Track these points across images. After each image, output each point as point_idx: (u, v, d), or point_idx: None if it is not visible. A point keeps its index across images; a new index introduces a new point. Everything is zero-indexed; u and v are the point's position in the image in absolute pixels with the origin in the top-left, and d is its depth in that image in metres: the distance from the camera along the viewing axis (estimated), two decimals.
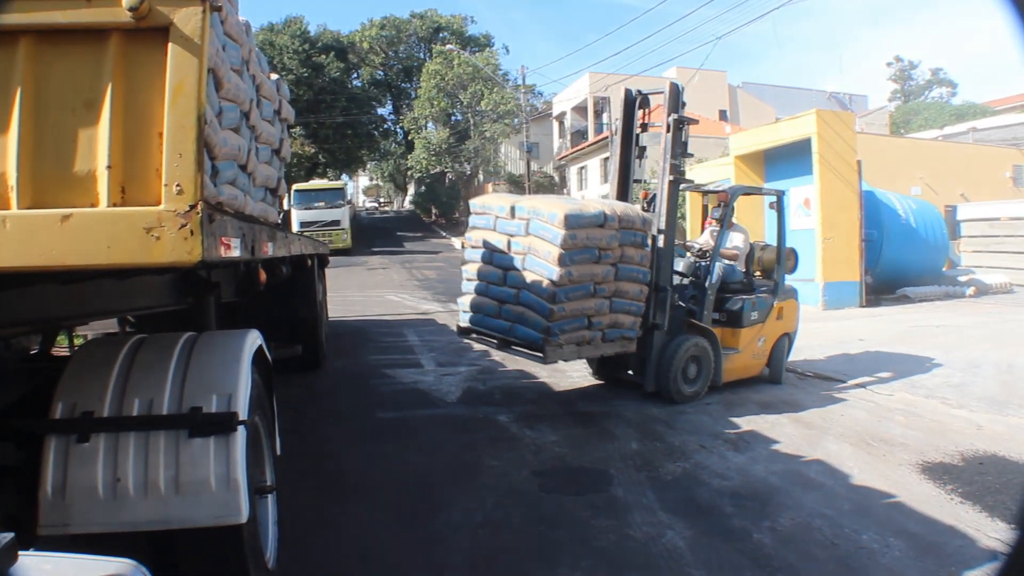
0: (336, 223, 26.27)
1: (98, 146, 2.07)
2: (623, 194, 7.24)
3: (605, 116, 34.70)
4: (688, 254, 7.44)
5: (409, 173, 45.42)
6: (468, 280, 6.68)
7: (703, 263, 7.15)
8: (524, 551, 3.69)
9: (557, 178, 38.89)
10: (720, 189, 7.80)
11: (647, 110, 7.27)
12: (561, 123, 40.54)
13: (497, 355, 8.02)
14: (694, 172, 15.22)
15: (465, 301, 6.70)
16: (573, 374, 7.77)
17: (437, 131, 38.38)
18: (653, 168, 7.95)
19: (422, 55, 44.13)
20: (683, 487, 4.55)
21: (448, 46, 37.99)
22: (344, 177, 44.79)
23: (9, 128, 2.02)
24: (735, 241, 7.43)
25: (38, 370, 2.96)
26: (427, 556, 3.63)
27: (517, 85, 34.62)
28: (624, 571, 3.47)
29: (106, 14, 2.07)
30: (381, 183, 63.92)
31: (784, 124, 15.90)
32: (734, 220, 7.40)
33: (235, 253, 2.50)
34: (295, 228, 23.14)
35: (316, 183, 29.73)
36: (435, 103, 36.67)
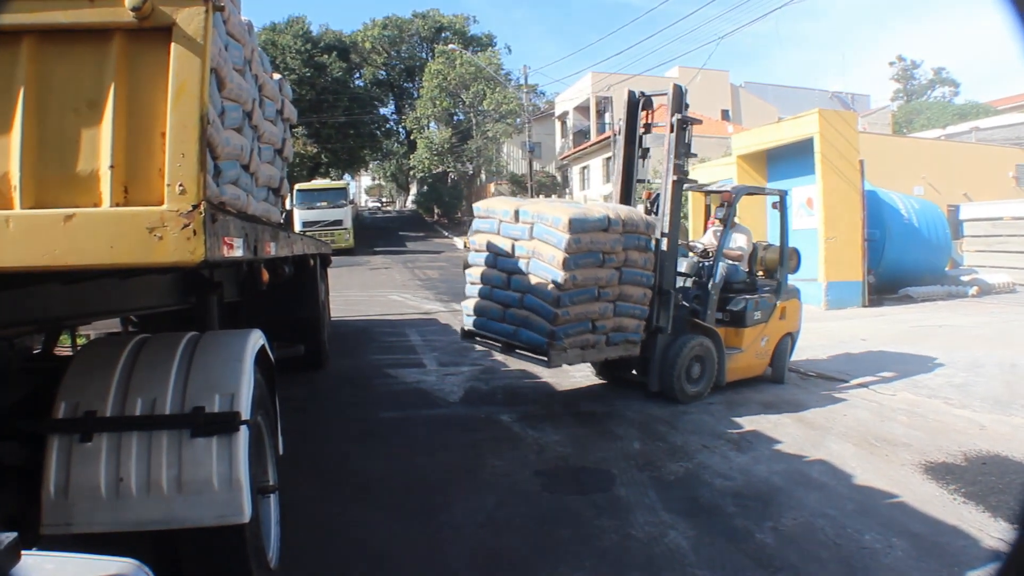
0: (338, 223, 26.28)
1: (101, 146, 2.07)
2: (626, 194, 7.23)
3: (607, 116, 34.71)
4: (691, 254, 7.43)
5: (411, 173, 45.44)
6: (472, 284, 6.70)
7: (706, 263, 7.14)
8: (527, 551, 3.69)
9: (559, 178, 38.89)
10: (724, 189, 7.80)
11: (650, 111, 7.28)
12: (563, 123, 40.54)
13: (499, 355, 8.02)
14: (696, 172, 15.18)
15: (469, 304, 6.71)
16: (575, 374, 7.77)
17: (439, 131, 38.42)
18: (656, 168, 7.94)
19: (424, 55, 44.15)
20: (686, 487, 4.55)
21: (450, 46, 38.02)
22: (346, 177, 44.81)
23: (12, 128, 2.02)
24: (738, 241, 7.43)
25: (41, 370, 2.96)
26: (429, 555, 3.63)
27: (519, 85, 34.61)
28: (626, 571, 3.46)
29: (109, 14, 2.07)
30: (383, 183, 63.94)
31: (786, 124, 15.88)
32: (737, 220, 7.39)
33: (238, 253, 2.50)
34: (297, 228, 23.16)
35: (318, 183, 29.72)
36: (437, 103, 36.70)
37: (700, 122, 7.20)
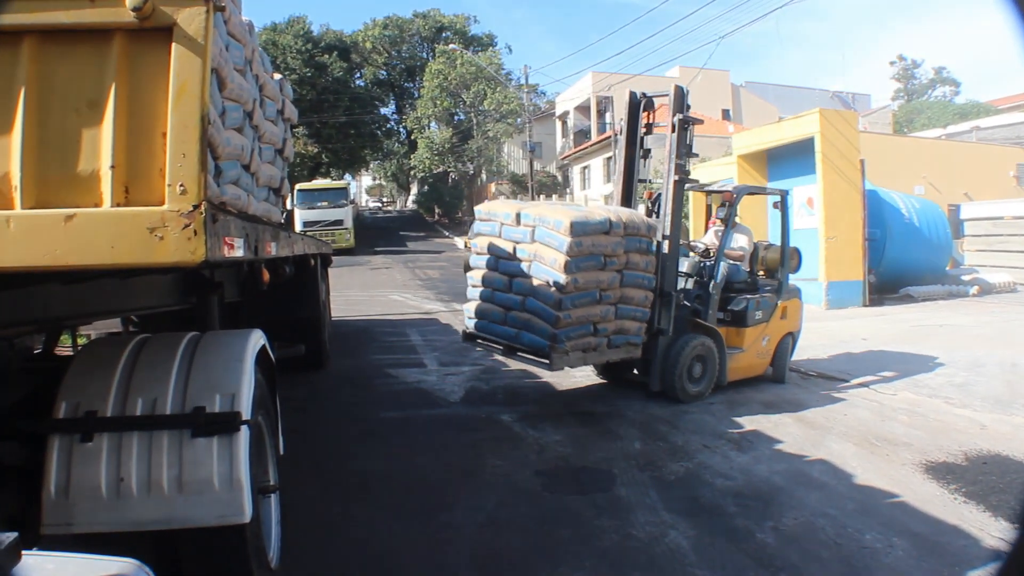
0: (339, 223, 26.31)
1: (102, 146, 2.07)
2: (627, 194, 7.24)
3: (608, 115, 34.72)
4: (692, 254, 7.43)
5: (412, 173, 45.44)
6: (473, 286, 6.70)
7: (708, 263, 7.14)
8: (527, 551, 3.69)
9: (560, 178, 38.88)
10: (725, 189, 7.79)
11: (651, 111, 7.28)
12: (564, 123, 40.53)
13: (500, 355, 8.03)
14: (697, 172, 15.17)
15: (471, 307, 6.72)
16: (576, 374, 7.76)
17: (440, 131, 38.42)
18: (657, 168, 7.93)
19: (425, 55, 44.15)
20: (686, 487, 4.55)
21: (451, 46, 38.03)
22: (347, 177, 44.81)
23: (13, 128, 2.02)
24: (739, 241, 7.43)
25: (41, 370, 2.96)
26: (430, 555, 3.63)
27: (520, 85, 34.63)
28: (627, 571, 3.46)
29: (110, 14, 2.07)
30: (384, 183, 63.94)
31: (787, 123, 15.87)
32: (738, 220, 7.39)
33: (238, 253, 2.50)
34: (298, 228, 23.16)
35: (319, 183, 29.75)
36: (438, 103, 36.71)
37: (701, 122, 7.21)
